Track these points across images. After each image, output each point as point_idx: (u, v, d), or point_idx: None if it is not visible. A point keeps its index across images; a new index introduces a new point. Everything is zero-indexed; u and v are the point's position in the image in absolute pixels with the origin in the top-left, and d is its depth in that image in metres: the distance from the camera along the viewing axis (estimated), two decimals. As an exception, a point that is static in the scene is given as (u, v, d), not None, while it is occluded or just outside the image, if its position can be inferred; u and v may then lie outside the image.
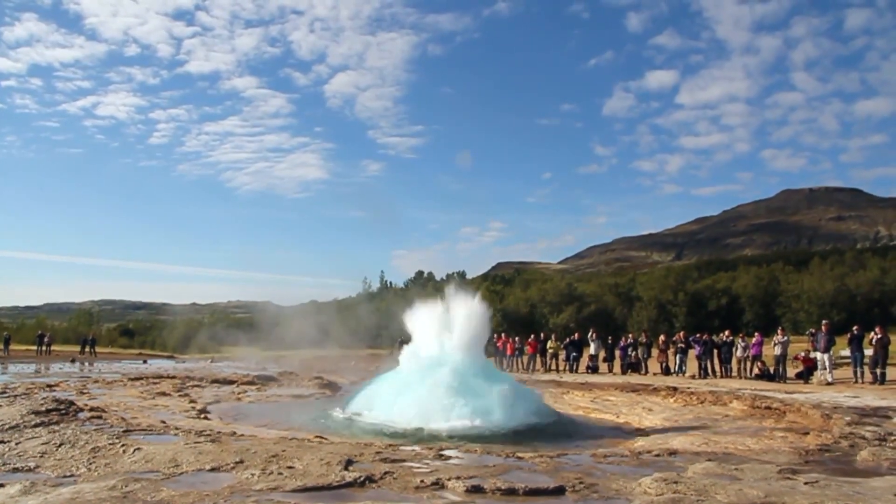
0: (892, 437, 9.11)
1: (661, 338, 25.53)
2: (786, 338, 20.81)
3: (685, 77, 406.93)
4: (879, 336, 18.38)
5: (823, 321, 21.85)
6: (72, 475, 6.06)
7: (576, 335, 27.56)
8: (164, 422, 10.24)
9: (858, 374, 18.62)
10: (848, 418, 11.00)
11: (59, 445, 7.32)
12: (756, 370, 20.91)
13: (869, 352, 18.93)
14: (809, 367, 19.82)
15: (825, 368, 18.92)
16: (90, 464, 6.48)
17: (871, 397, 14.41)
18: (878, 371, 18.00)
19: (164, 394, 15.75)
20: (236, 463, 6.47)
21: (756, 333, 22.60)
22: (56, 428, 8.51)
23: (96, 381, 18.41)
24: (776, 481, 6.10)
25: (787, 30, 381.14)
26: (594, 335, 26.52)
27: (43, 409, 10.06)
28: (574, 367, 25.77)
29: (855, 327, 19.50)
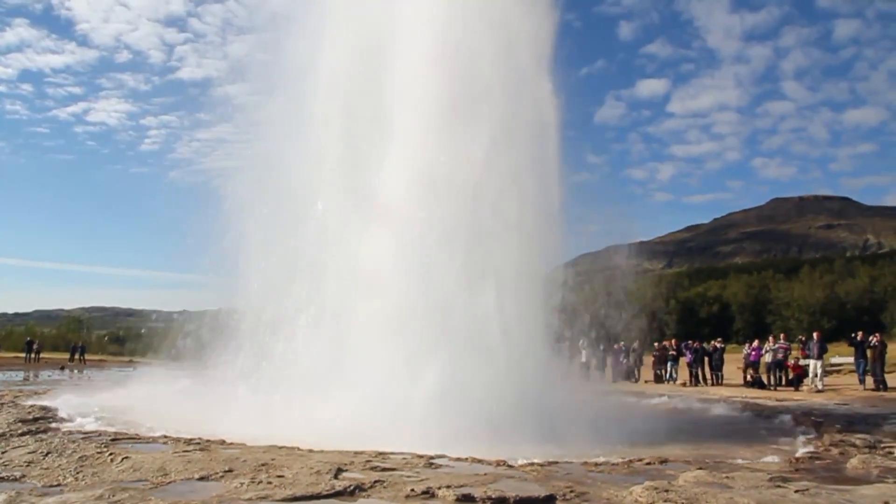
0: (882, 445, 9.15)
1: (656, 345, 25.55)
2: (777, 345, 20.84)
3: (676, 86, 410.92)
4: (876, 343, 18.44)
5: (815, 330, 21.94)
6: (58, 484, 5.99)
7: (566, 342, 27.47)
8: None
9: (864, 381, 18.63)
10: (838, 426, 11.04)
11: (46, 454, 7.24)
12: (749, 377, 20.96)
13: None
14: (799, 375, 19.89)
15: (816, 376, 18.98)
16: (77, 473, 6.41)
17: (860, 405, 14.47)
18: (880, 378, 18.05)
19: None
20: (225, 472, 6.42)
21: (755, 340, 22.63)
22: (43, 436, 8.43)
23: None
24: (767, 489, 6.10)
25: (777, 39, 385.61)
26: (585, 342, 26.46)
27: (30, 417, 9.98)
28: (565, 375, 25.72)
29: (859, 334, 19.39)
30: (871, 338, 18.78)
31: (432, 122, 12.09)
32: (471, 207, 11.75)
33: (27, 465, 6.73)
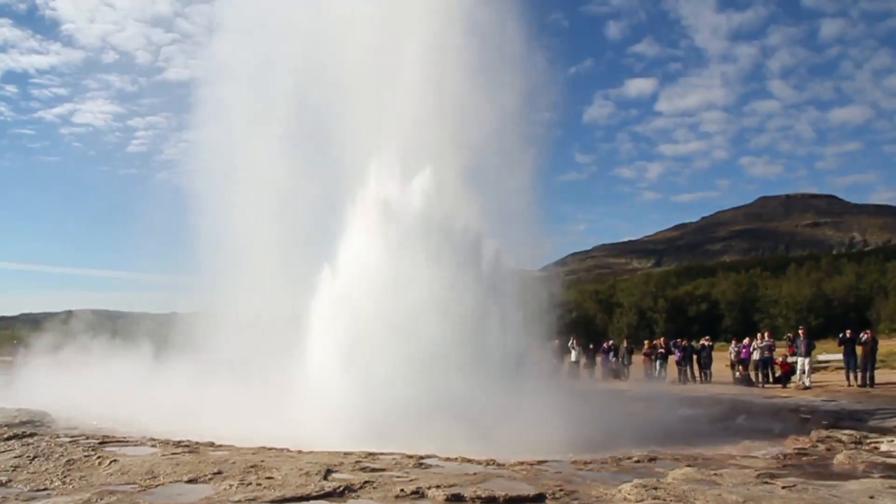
0: (868, 440, 9.23)
1: (646, 343, 25.58)
2: (765, 342, 20.93)
3: (664, 85, 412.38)
4: (866, 339, 18.55)
5: (800, 327, 22.06)
6: (45, 489, 5.95)
7: (555, 342, 27.49)
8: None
9: (851, 379, 18.75)
10: (825, 422, 11.12)
11: (33, 458, 7.18)
12: (738, 374, 21.07)
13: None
14: (787, 372, 20.00)
15: (804, 372, 19.08)
16: (64, 477, 6.37)
17: (847, 401, 14.57)
18: (868, 374, 18.17)
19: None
20: (214, 474, 6.39)
21: (746, 339, 22.74)
22: (30, 440, 8.35)
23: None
24: (755, 486, 6.14)
25: (763, 38, 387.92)
26: (575, 342, 26.51)
27: (16, 420, 9.89)
28: (555, 374, 25.72)
29: (848, 331, 19.51)
30: (861, 334, 18.90)
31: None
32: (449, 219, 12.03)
33: (13, 470, 6.67)
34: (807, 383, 18.66)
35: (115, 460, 7.01)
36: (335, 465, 6.81)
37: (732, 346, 22.28)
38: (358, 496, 5.71)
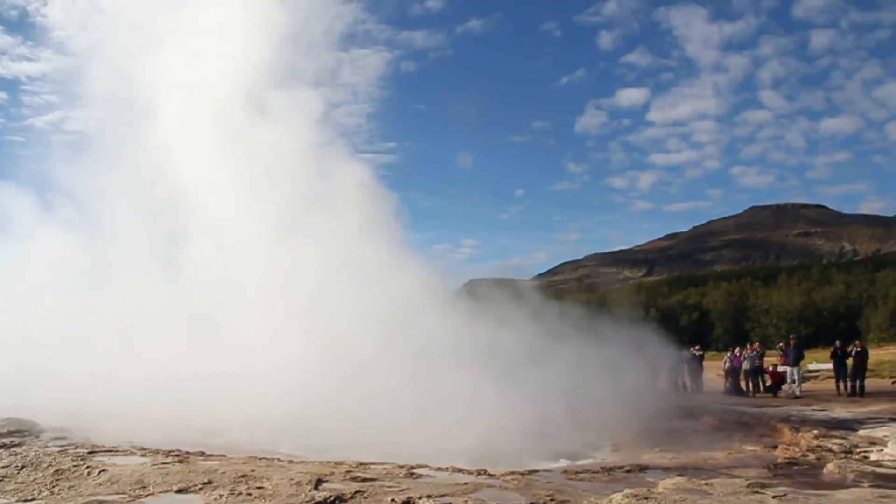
0: (858, 450, 9.27)
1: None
2: (755, 352, 20.99)
3: (656, 95, 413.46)
4: (859, 349, 18.63)
5: (791, 336, 22.15)
6: (33, 499, 5.90)
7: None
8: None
9: (841, 388, 18.81)
10: (815, 431, 11.16)
11: (21, 468, 7.12)
12: (728, 384, 21.11)
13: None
14: (778, 381, 20.05)
15: (793, 382, 19.14)
16: (53, 487, 6.32)
17: (838, 410, 14.62)
18: (858, 383, 18.24)
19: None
20: (204, 484, 6.35)
21: (738, 348, 22.79)
22: (18, 450, 8.29)
23: (61, 402, 17.96)
24: (745, 495, 6.16)
25: (754, 49, 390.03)
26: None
27: (4, 430, 9.81)
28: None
29: (838, 342, 19.60)
30: (850, 347, 18.96)
31: None
32: None
33: (1, 480, 6.62)
34: (797, 392, 18.72)
35: (104, 470, 6.96)
36: (326, 475, 6.78)
37: (728, 356, 22.30)
38: (349, 506, 5.69)
